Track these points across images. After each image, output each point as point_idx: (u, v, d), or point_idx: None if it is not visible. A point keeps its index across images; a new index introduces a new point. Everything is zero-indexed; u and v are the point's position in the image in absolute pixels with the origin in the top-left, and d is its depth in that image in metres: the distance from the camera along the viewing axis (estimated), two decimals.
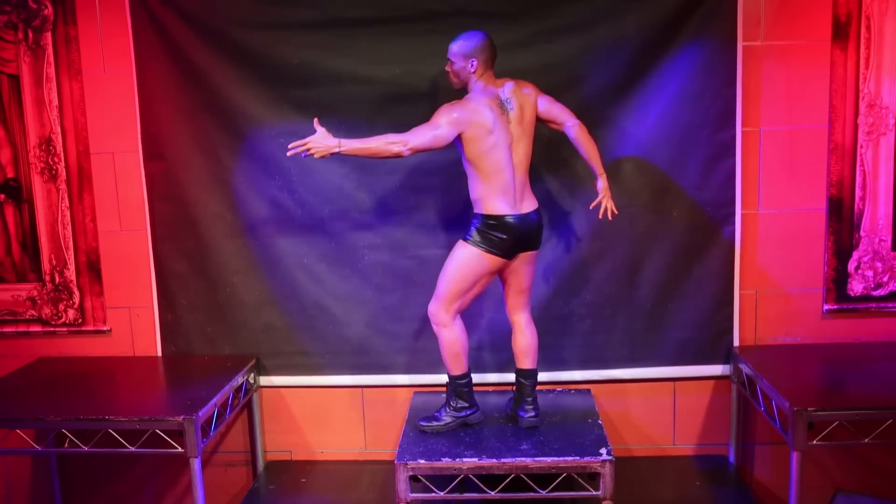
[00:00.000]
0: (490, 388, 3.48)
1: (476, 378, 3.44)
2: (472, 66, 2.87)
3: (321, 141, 2.77)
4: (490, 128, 2.82)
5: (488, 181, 2.86)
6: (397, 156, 2.80)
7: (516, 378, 3.09)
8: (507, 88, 2.90)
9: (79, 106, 3.43)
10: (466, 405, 3.08)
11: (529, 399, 3.06)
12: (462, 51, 2.86)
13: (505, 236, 2.88)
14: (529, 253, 2.97)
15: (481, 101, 2.85)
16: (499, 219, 2.87)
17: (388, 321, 3.46)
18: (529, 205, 2.94)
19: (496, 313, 3.36)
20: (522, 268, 2.99)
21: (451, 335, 3.00)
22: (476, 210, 2.92)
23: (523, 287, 3.02)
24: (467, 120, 2.81)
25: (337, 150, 2.77)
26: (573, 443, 2.90)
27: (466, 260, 2.92)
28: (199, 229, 3.43)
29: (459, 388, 3.06)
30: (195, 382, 3.19)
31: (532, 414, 3.04)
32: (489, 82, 2.90)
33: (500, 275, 3.00)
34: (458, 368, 3.04)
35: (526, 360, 3.05)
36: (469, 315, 3.37)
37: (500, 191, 2.86)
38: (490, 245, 2.89)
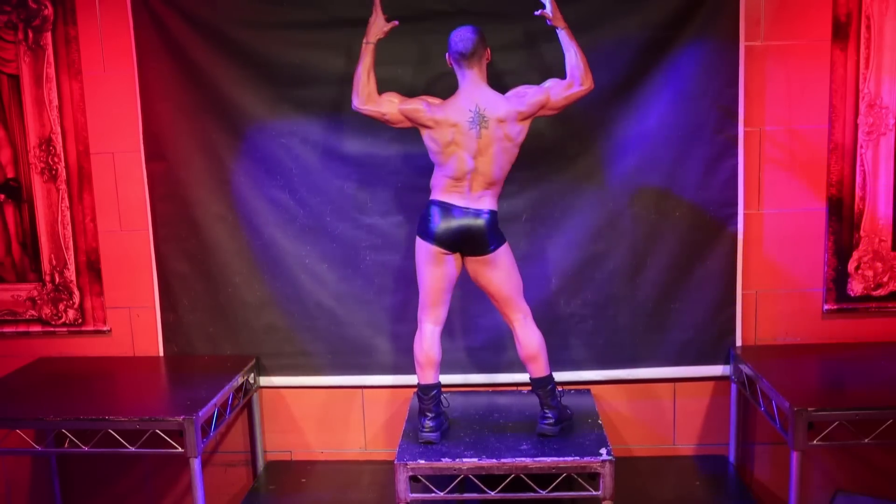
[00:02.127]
0: (491, 389, 3.48)
1: (480, 378, 3.45)
2: (447, 61, 2.90)
3: (372, 25, 2.90)
4: (452, 139, 2.81)
5: (439, 175, 2.88)
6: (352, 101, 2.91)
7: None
8: (487, 102, 2.81)
9: (79, 106, 3.43)
10: (419, 418, 2.97)
11: (546, 406, 2.98)
12: None
13: (435, 220, 2.83)
14: (478, 258, 2.86)
15: (457, 105, 2.82)
16: (433, 203, 2.86)
17: (390, 321, 3.45)
18: (479, 204, 2.84)
19: (495, 313, 3.36)
20: (478, 274, 2.89)
21: (415, 338, 2.99)
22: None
23: (495, 296, 2.93)
24: (429, 117, 2.84)
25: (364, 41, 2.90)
26: (573, 443, 2.90)
27: (416, 250, 2.93)
28: (200, 229, 3.43)
29: (417, 396, 3.00)
30: (195, 382, 3.19)
31: (547, 422, 2.96)
32: (472, 87, 2.83)
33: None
34: (417, 375, 2.99)
35: (531, 369, 2.98)
36: (469, 315, 3.38)
37: (446, 185, 2.85)
38: (422, 230, 2.87)
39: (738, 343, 3.40)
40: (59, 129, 3.45)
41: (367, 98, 2.87)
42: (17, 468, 3.72)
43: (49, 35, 3.38)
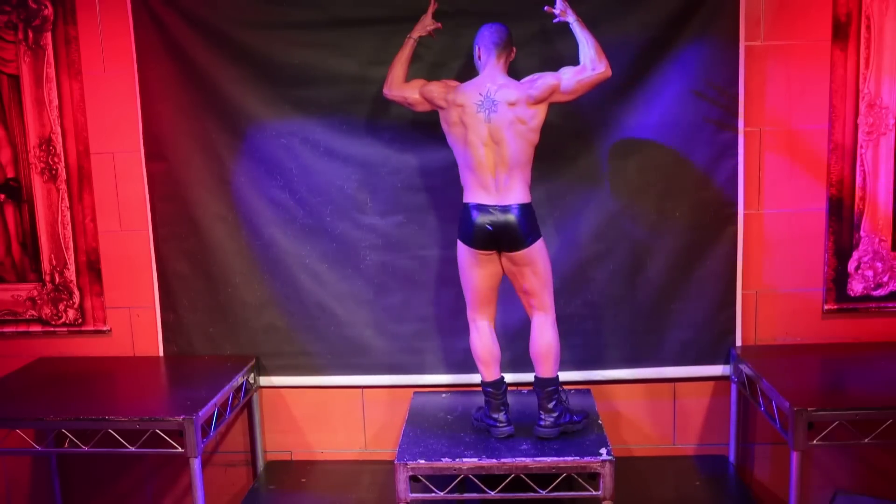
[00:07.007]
0: None
1: (471, 378, 3.45)
2: (475, 53, 2.94)
3: (419, 22, 3.02)
4: (458, 119, 2.84)
5: (463, 171, 2.91)
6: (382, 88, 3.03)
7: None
8: (498, 87, 2.83)
9: (79, 106, 3.43)
10: (490, 415, 2.99)
11: (545, 408, 2.95)
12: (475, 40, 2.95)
13: (469, 223, 2.85)
14: (513, 254, 2.86)
15: (468, 89, 2.85)
16: (467, 206, 2.88)
17: (390, 321, 3.45)
18: (507, 198, 2.82)
19: (497, 313, 3.35)
20: (512, 269, 2.90)
21: (471, 339, 3.00)
22: None
23: (523, 289, 2.94)
24: (442, 97, 2.88)
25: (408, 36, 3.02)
26: (573, 443, 2.90)
27: (458, 253, 2.95)
28: (200, 229, 3.43)
29: (484, 394, 3.00)
30: (195, 382, 3.19)
31: (546, 423, 2.94)
32: (489, 74, 2.87)
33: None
34: (482, 374, 2.99)
35: (538, 367, 2.96)
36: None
37: (472, 182, 2.87)
38: (461, 233, 2.90)
39: (738, 343, 3.40)
40: (59, 129, 3.45)
41: (395, 85, 2.98)
42: (17, 468, 3.72)
43: (49, 35, 3.38)
